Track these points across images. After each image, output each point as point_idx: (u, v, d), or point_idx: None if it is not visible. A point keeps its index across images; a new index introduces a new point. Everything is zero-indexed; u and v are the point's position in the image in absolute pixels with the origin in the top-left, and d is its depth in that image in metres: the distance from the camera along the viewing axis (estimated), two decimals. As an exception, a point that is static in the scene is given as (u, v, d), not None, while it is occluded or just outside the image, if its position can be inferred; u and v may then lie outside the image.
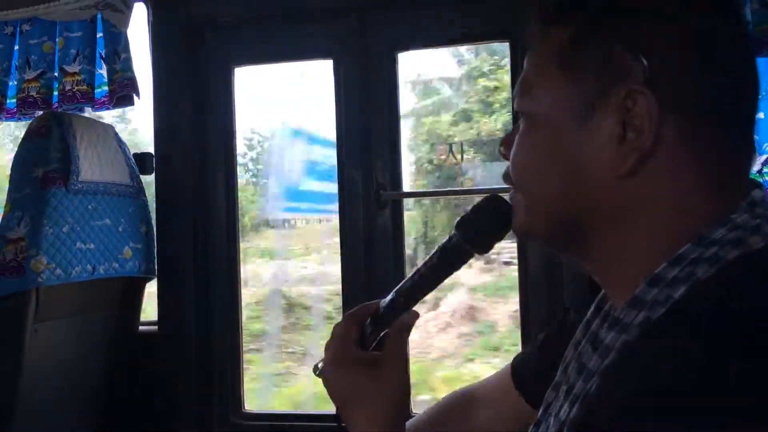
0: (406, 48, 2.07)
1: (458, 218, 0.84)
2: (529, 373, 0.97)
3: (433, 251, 0.85)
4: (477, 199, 0.90)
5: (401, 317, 0.87)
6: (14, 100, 2.21)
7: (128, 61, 2.12)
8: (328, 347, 0.90)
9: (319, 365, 0.91)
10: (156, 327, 2.13)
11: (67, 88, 2.18)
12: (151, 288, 2.16)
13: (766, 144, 1.67)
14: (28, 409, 1.74)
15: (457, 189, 2.08)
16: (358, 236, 2.05)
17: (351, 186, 2.06)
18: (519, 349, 2.08)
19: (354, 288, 2.05)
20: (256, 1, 2.09)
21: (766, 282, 0.58)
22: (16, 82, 2.21)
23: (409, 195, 2.13)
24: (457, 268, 0.85)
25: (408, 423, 0.95)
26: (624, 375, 0.57)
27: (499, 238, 0.81)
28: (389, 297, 0.89)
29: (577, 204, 0.68)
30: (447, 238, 0.84)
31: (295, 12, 2.07)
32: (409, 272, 0.91)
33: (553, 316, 1.87)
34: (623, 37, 0.64)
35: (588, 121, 0.66)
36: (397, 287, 0.89)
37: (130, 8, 2.08)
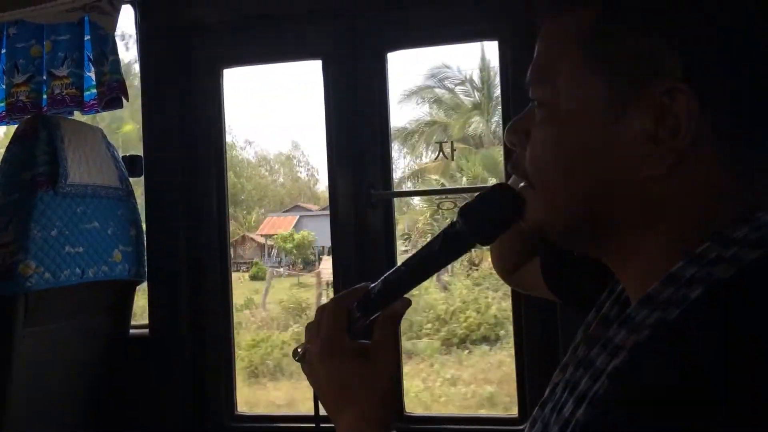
0: (396, 48, 2.07)
1: (462, 204, 0.78)
2: (558, 274, 0.96)
3: (434, 237, 0.79)
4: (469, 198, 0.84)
5: (393, 304, 0.82)
6: (2, 104, 2.20)
7: (116, 63, 2.11)
8: (313, 332, 0.83)
9: (299, 350, 0.85)
10: (147, 330, 2.13)
11: (56, 92, 2.16)
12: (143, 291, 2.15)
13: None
14: (18, 414, 1.73)
15: (449, 188, 2.07)
16: (350, 236, 2.05)
17: (341, 186, 2.05)
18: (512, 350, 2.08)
19: (346, 288, 2.04)
20: (244, 2, 2.09)
21: None
22: (4, 86, 2.20)
23: (400, 194, 2.12)
24: (456, 257, 0.80)
25: None
26: (634, 379, 0.55)
27: (504, 231, 0.76)
28: (380, 282, 0.82)
29: (600, 203, 0.64)
30: (450, 224, 0.78)
31: (284, 13, 2.07)
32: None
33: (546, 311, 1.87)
34: (659, 27, 0.59)
35: (619, 118, 0.61)
36: (390, 272, 0.82)
37: (117, 10, 2.07)
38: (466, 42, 2.07)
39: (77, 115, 2.20)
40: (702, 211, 0.61)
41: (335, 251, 2.07)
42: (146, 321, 2.14)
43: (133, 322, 2.17)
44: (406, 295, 0.83)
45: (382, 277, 0.82)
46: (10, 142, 1.83)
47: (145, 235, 2.13)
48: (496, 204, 0.75)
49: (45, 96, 2.18)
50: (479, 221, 0.76)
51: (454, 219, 0.77)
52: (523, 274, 1.06)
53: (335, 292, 2.08)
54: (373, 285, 0.83)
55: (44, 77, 2.17)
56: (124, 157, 2.12)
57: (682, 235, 0.61)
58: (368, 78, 2.04)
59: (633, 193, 0.62)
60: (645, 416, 0.50)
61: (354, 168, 2.04)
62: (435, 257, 0.79)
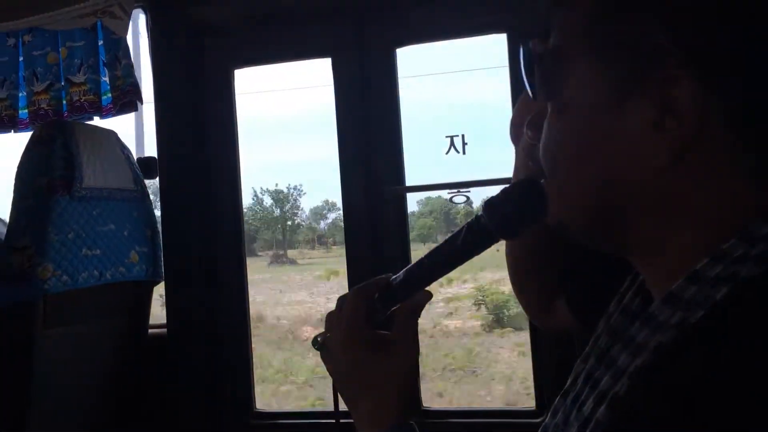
0: (404, 43, 2.07)
1: (486, 199, 0.77)
2: (582, 297, 0.94)
3: (457, 230, 0.78)
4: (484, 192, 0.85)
5: (414, 296, 0.82)
6: (25, 111, 2.24)
7: (129, 67, 2.14)
8: (333, 321, 0.84)
9: (319, 338, 0.86)
10: (165, 330, 2.15)
11: (75, 98, 2.20)
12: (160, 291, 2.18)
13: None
14: (39, 415, 1.76)
15: (463, 182, 2.07)
16: (363, 233, 2.05)
17: (354, 183, 2.06)
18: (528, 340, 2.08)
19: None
20: (253, 2, 2.10)
21: None
22: (25, 93, 2.24)
23: (412, 189, 2.13)
24: (479, 251, 0.78)
25: None
26: (658, 382, 0.54)
27: (530, 226, 0.75)
28: (402, 273, 0.82)
29: (612, 194, 0.62)
30: (474, 217, 0.77)
31: (292, 12, 2.08)
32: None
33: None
34: (657, 13, 0.57)
35: (623, 106, 0.59)
36: (413, 264, 0.82)
37: (128, 15, 2.09)
38: (474, 35, 2.06)
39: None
40: (719, 204, 0.59)
41: (348, 248, 2.08)
42: (164, 320, 2.17)
43: (150, 322, 2.20)
44: (427, 288, 0.83)
45: (404, 269, 0.82)
46: (27, 148, 1.86)
47: (161, 236, 2.15)
48: (521, 198, 0.74)
49: (65, 102, 2.22)
50: (504, 215, 0.74)
51: (479, 213, 0.77)
52: (555, 313, 1.05)
53: (349, 288, 2.09)
54: (394, 277, 0.83)
55: (63, 84, 2.21)
56: (138, 159, 2.15)
57: (703, 230, 0.59)
58: (378, 74, 2.05)
59: (643, 183, 0.60)
60: (669, 421, 0.49)
61: (366, 164, 2.05)
62: (458, 251, 0.78)
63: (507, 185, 0.76)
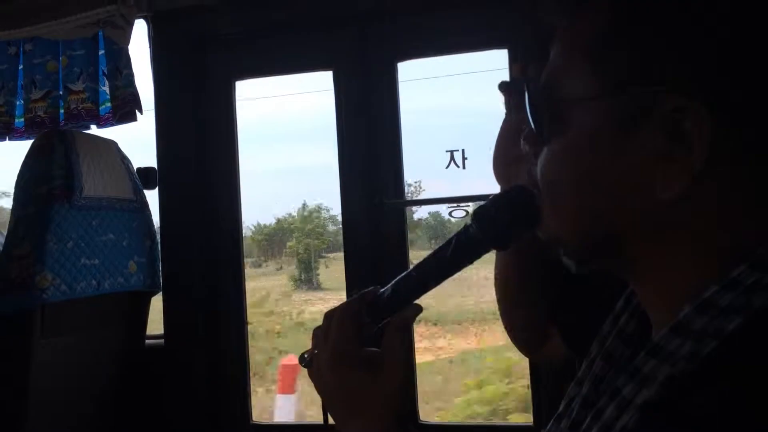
0: (406, 57, 2.08)
1: (476, 207, 0.75)
2: (574, 325, 0.93)
3: (446, 241, 0.76)
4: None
5: (402, 311, 0.79)
6: (21, 120, 2.23)
7: (130, 77, 2.14)
8: (320, 338, 0.81)
9: (306, 355, 0.83)
10: (162, 341, 2.14)
11: (72, 106, 2.20)
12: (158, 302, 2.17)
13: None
14: (36, 424, 1.74)
15: (462, 196, 2.07)
16: (362, 246, 2.05)
17: (353, 196, 2.06)
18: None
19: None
20: (255, 14, 2.11)
21: None
22: (22, 101, 2.24)
23: (412, 203, 2.13)
24: (470, 262, 0.76)
25: None
26: (671, 416, 0.52)
27: (521, 235, 0.72)
28: (390, 287, 0.80)
29: (611, 223, 0.60)
30: (463, 228, 0.75)
31: (294, 24, 2.09)
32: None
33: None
34: (666, 41, 0.56)
35: (629, 135, 0.57)
36: (400, 277, 0.80)
37: (130, 25, 2.09)
38: (475, 50, 2.07)
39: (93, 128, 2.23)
40: (727, 231, 0.57)
41: (348, 261, 2.08)
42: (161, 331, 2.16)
43: (148, 332, 2.19)
44: (416, 302, 0.80)
45: (392, 282, 0.80)
46: (26, 157, 1.86)
47: (159, 246, 2.15)
48: (511, 204, 0.72)
49: (62, 110, 2.21)
50: (494, 224, 0.72)
51: (468, 223, 0.75)
52: (547, 345, 1.04)
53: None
54: (383, 290, 0.81)
55: (61, 92, 2.21)
56: (138, 170, 2.14)
57: (707, 256, 0.57)
58: (379, 88, 2.06)
59: (647, 214, 0.58)
60: None
61: (366, 177, 2.05)
62: (447, 263, 0.76)
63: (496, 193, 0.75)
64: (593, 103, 0.59)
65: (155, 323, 2.23)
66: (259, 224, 10.55)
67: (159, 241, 2.16)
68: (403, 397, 0.80)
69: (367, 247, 2.05)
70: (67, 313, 1.83)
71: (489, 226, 0.72)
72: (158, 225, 2.19)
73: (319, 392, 0.82)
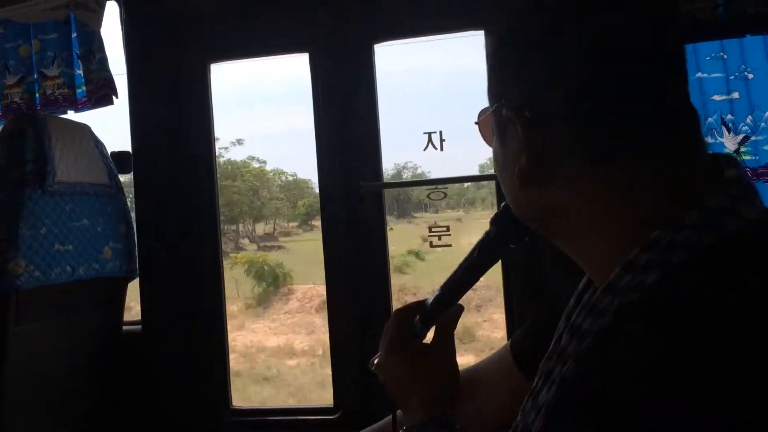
0: (383, 39, 2.07)
1: (493, 215, 0.89)
2: (529, 350, 0.97)
3: (473, 247, 0.91)
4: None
5: (447, 312, 0.97)
6: (-1, 106, 2.20)
7: (103, 60, 2.11)
8: (382, 342, 0.98)
9: (375, 361, 0.99)
10: (140, 326, 2.13)
11: (49, 92, 2.17)
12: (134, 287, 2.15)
13: (742, 124, 1.69)
14: (11, 412, 1.73)
15: (439, 178, 2.07)
16: (341, 229, 2.05)
17: (331, 179, 2.05)
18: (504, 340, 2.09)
19: (338, 282, 2.05)
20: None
21: (741, 268, 0.56)
22: (-2, 87, 2.21)
23: (390, 185, 2.13)
24: (495, 261, 0.90)
25: None
26: (596, 361, 0.57)
27: (529, 233, 0.83)
28: (435, 294, 0.96)
29: (525, 204, 0.71)
30: (484, 234, 0.89)
31: (270, 7, 2.06)
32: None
33: (535, 298, 1.88)
34: (504, 58, 0.69)
35: (504, 137, 0.70)
36: (442, 284, 0.95)
37: (102, 7, 2.06)
38: (453, 32, 2.06)
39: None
40: (623, 204, 0.64)
41: (326, 244, 2.08)
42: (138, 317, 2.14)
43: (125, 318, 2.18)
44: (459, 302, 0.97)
45: (434, 295, 0.96)
46: (-3, 141, 1.82)
47: (135, 231, 2.12)
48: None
49: (38, 95, 2.18)
50: (508, 226, 0.86)
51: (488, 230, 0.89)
52: None
53: (327, 285, 2.08)
54: (428, 300, 0.98)
55: (35, 76, 2.17)
56: (112, 154, 2.11)
57: (618, 226, 0.64)
58: (356, 70, 2.04)
59: (534, 199, 0.69)
60: (604, 401, 0.51)
61: (343, 160, 2.05)
62: (475, 264, 0.91)
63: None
64: (494, 114, 0.72)
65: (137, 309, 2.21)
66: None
67: (135, 226, 2.13)
68: (453, 382, 0.97)
69: (345, 230, 2.04)
70: (41, 300, 1.81)
71: (504, 229, 0.87)
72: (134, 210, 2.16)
73: (384, 384, 0.98)
